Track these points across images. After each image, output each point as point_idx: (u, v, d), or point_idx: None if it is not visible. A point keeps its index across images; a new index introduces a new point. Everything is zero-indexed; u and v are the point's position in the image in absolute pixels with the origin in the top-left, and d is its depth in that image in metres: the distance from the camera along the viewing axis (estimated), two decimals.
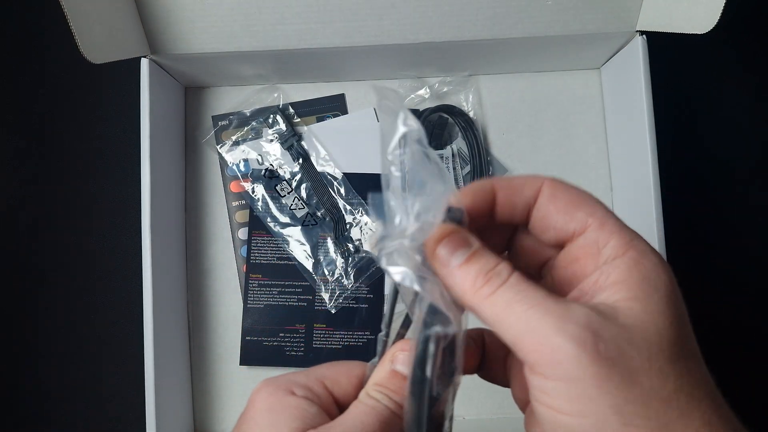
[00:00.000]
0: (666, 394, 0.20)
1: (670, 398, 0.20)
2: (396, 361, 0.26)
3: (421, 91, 0.56)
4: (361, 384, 0.27)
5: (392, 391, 0.25)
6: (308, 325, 0.53)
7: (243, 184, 0.55)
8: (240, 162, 0.56)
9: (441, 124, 0.55)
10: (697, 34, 0.42)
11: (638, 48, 0.48)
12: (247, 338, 0.53)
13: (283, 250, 0.54)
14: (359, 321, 0.54)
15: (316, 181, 0.55)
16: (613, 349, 0.20)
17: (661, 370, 0.20)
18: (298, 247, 0.54)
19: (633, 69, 0.48)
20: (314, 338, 0.53)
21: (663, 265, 0.22)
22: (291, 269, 0.54)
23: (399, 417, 0.25)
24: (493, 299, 0.22)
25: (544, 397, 0.21)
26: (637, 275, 0.22)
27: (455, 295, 0.23)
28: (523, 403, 0.27)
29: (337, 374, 0.27)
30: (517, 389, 0.27)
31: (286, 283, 0.54)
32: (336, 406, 0.27)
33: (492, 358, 0.28)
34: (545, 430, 0.21)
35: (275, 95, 0.56)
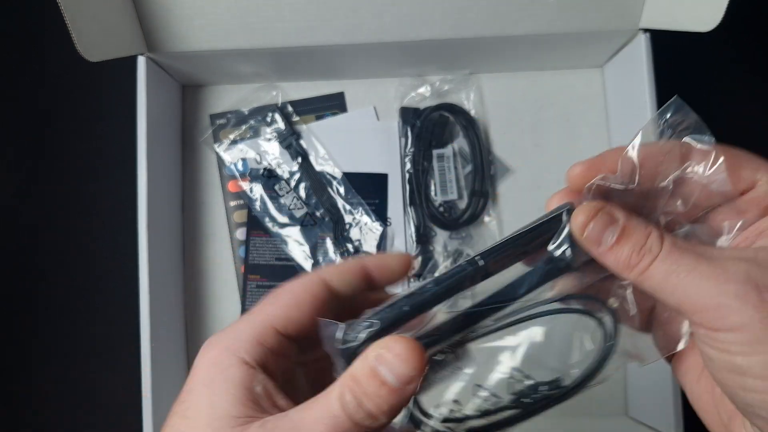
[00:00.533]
0: None
1: None
2: (380, 359, 0.22)
3: (422, 90, 0.55)
4: (317, 306, 0.25)
5: (370, 397, 0.22)
6: None
7: (241, 183, 0.55)
8: (238, 161, 0.55)
9: (442, 123, 0.54)
10: (700, 32, 0.41)
11: (641, 46, 0.47)
12: None
13: (282, 251, 0.54)
14: None
15: (315, 180, 0.55)
16: None
17: None
18: (297, 248, 0.54)
19: (636, 67, 0.48)
20: None
21: None
22: (290, 270, 0.54)
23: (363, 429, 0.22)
24: (650, 273, 0.22)
25: (715, 343, 0.21)
26: None
27: (612, 271, 0.24)
28: (667, 350, 0.26)
29: (286, 310, 0.25)
30: (660, 338, 0.26)
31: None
32: (295, 346, 0.25)
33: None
34: (714, 367, 0.22)
35: (274, 93, 0.56)
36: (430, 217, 0.54)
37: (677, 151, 0.26)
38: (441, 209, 0.54)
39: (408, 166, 0.54)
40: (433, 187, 0.54)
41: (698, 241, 0.24)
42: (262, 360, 0.24)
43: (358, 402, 0.22)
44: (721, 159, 0.25)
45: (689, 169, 0.25)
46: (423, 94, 0.56)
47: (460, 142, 0.55)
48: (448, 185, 0.53)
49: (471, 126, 0.54)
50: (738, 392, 0.21)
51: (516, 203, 0.55)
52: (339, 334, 0.23)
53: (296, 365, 0.27)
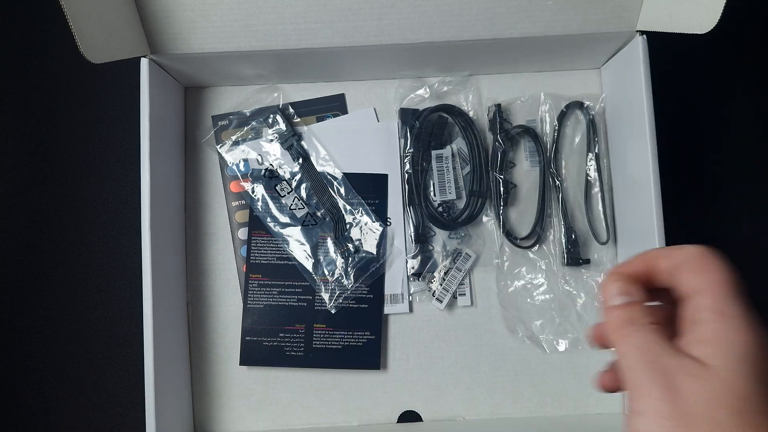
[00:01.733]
0: None
1: None
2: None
3: (421, 91, 0.55)
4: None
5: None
6: (308, 325, 0.53)
7: (243, 184, 0.55)
8: (240, 162, 0.55)
9: (441, 124, 0.55)
10: (697, 34, 0.42)
11: (638, 48, 0.48)
12: (247, 338, 0.53)
13: (283, 250, 0.54)
14: (359, 321, 0.54)
15: (316, 181, 0.55)
16: (692, 410, 0.24)
17: (752, 424, 0.23)
18: (298, 247, 0.54)
19: (633, 69, 0.48)
20: (314, 338, 0.53)
21: (750, 329, 0.25)
22: (291, 269, 0.54)
23: None
24: (627, 340, 0.27)
25: (632, 428, 0.25)
26: (726, 342, 0.25)
27: (606, 326, 0.28)
28: None
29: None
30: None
31: (286, 283, 0.54)
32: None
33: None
34: None
35: (275, 95, 0.56)
36: (429, 216, 0.54)
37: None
38: (440, 209, 0.54)
39: (407, 166, 0.54)
40: (432, 188, 0.54)
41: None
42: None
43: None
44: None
45: None
46: (422, 95, 0.56)
47: (459, 143, 0.55)
48: (446, 186, 0.54)
49: (469, 127, 0.54)
50: None
51: (517, 203, 0.55)
52: None
53: None
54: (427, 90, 0.56)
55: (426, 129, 0.54)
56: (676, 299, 0.29)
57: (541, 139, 0.55)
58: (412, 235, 0.54)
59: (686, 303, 0.27)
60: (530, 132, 0.55)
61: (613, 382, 0.31)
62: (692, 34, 0.42)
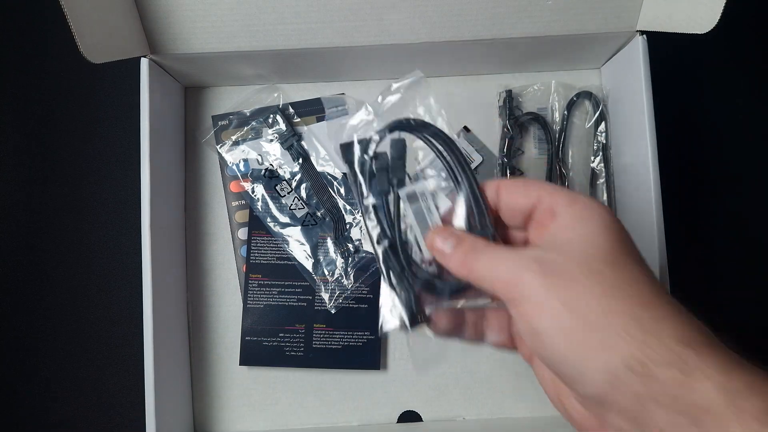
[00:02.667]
0: (605, 287, 0.26)
1: (610, 290, 0.26)
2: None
3: (361, 113, 0.38)
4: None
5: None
6: (308, 325, 0.53)
7: (243, 184, 0.55)
8: (240, 162, 0.56)
9: (399, 148, 0.37)
10: (697, 34, 0.42)
11: (638, 48, 0.48)
12: (247, 338, 0.53)
13: (283, 250, 0.54)
14: (359, 321, 0.54)
15: (316, 181, 0.55)
16: (555, 266, 0.27)
17: (600, 271, 0.26)
18: (298, 247, 0.54)
19: (633, 69, 0.48)
20: (314, 338, 0.53)
21: (602, 208, 0.29)
22: (291, 269, 0.54)
23: None
24: (476, 265, 0.29)
25: (519, 317, 0.27)
26: (575, 215, 0.28)
27: (453, 273, 0.31)
28: (528, 356, 0.34)
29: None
30: (522, 348, 0.34)
31: (286, 283, 0.54)
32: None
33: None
34: (526, 339, 0.28)
35: (275, 95, 0.56)
36: (425, 287, 0.34)
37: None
38: (432, 267, 0.35)
39: (370, 226, 0.35)
40: (415, 245, 0.35)
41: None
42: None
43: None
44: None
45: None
46: (365, 118, 0.38)
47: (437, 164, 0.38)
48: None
49: (440, 139, 0.35)
50: (543, 354, 0.27)
51: None
52: None
53: None
54: (369, 109, 0.38)
55: (381, 162, 0.35)
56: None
57: (550, 128, 0.55)
58: (407, 320, 0.33)
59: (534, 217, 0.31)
60: (540, 120, 0.55)
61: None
62: (692, 34, 0.42)
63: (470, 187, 0.33)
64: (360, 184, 0.35)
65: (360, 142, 0.36)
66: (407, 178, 0.36)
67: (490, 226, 0.32)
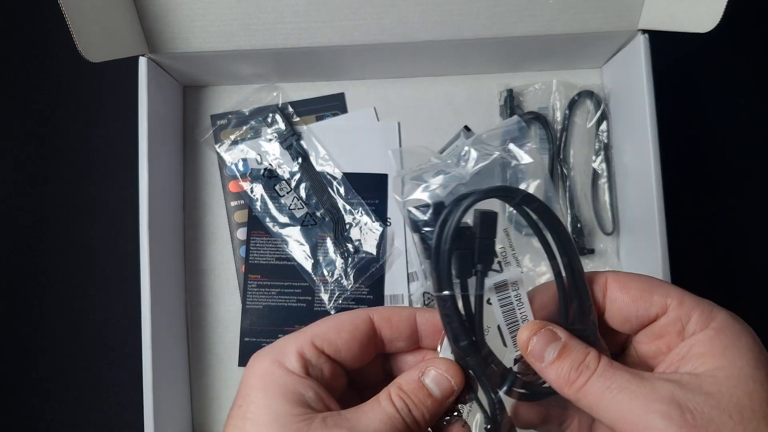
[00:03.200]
0: None
1: None
2: (426, 375, 0.27)
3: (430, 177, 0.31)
4: (357, 337, 0.28)
5: (415, 405, 0.26)
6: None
7: (242, 183, 0.55)
8: (239, 161, 0.55)
9: (488, 224, 0.28)
10: (699, 33, 0.41)
11: (640, 47, 0.47)
12: (246, 339, 0.53)
13: (282, 251, 0.54)
14: None
15: (316, 180, 0.55)
16: (700, 416, 0.21)
17: (757, 430, 0.21)
18: (298, 248, 0.54)
19: (635, 68, 0.48)
20: None
21: (746, 332, 0.24)
22: (290, 270, 0.54)
23: None
24: (587, 390, 0.24)
25: None
26: (719, 345, 0.23)
27: (551, 385, 0.26)
28: None
29: (325, 330, 0.27)
30: None
31: (285, 283, 0.54)
32: (333, 366, 0.28)
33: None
34: None
35: (274, 94, 0.56)
36: (517, 395, 0.28)
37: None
38: (518, 370, 0.29)
39: (441, 313, 0.27)
40: (498, 336, 0.29)
41: (628, 365, 0.25)
42: (306, 370, 0.26)
43: (406, 407, 0.26)
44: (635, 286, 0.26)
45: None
46: (432, 181, 0.29)
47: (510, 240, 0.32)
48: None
49: (544, 217, 0.27)
50: None
51: None
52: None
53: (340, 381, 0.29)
54: (443, 161, 0.29)
55: (465, 239, 0.27)
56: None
57: (552, 127, 0.55)
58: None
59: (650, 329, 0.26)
60: (541, 119, 0.55)
61: None
62: (694, 33, 0.42)
63: (574, 277, 0.26)
64: (435, 266, 0.26)
65: (436, 206, 0.27)
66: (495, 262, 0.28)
67: (594, 328, 0.26)
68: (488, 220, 0.27)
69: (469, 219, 0.27)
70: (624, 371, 0.24)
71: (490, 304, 0.28)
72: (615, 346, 0.29)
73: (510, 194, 0.27)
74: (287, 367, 0.26)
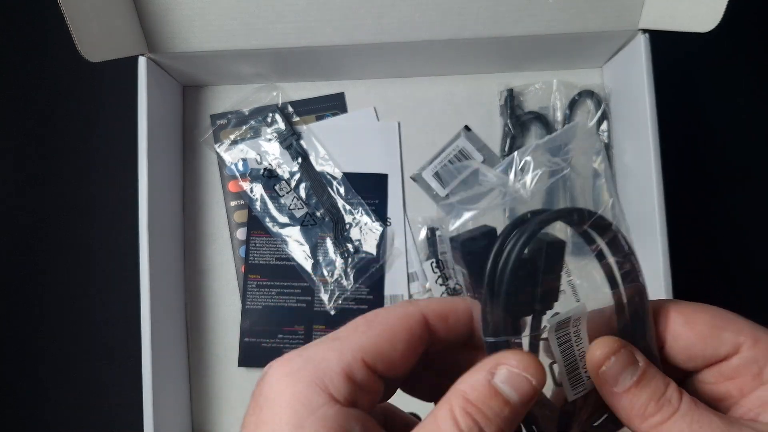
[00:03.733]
0: None
1: None
2: (498, 375, 0.20)
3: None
4: (413, 345, 0.22)
5: (488, 420, 0.20)
6: (307, 326, 0.53)
7: (241, 183, 0.55)
8: (238, 161, 0.55)
9: (553, 257, 0.30)
10: (699, 33, 0.41)
11: (640, 46, 0.47)
12: (246, 339, 0.53)
13: (282, 251, 0.54)
14: None
15: (316, 180, 0.55)
16: None
17: None
18: (297, 248, 0.54)
19: (635, 67, 0.48)
20: (313, 339, 0.53)
21: None
22: (290, 270, 0.54)
23: None
24: (666, 429, 0.21)
25: None
26: None
27: (619, 416, 0.22)
28: None
29: (378, 342, 0.21)
30: None
31: (285, 283, 0.54)
32: (382, 385, 0.22)
33: None
34: None
35: (274, 94, 0.56)
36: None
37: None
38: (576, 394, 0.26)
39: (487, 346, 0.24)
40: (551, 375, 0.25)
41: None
42: (353, 397, 0.20)
43: (477, 426, 0.20)
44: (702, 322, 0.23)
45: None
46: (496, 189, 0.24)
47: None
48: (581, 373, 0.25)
49: (617, 249, 0.26)
50: None
51: None
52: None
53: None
54: (500, 178, 0.24)
55: (526, 271, 0.23)
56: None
57: (552, 127, 0.55)
58: None
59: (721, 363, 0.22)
60: (541, 119, 0.55)
61: None
62: (694, 33, 0.42)
63: (639, 310, 0.23)
64: (485, 302, 0.22)
65: (487, 235, 0.22)
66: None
67: (657, 364, 0.23)
68: (555, 252, 0.23)
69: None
70: (710, 413, 0.21)
71: (545, 340, 0.24)
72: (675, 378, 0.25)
73: (581, 218, 0.23)
74: (332, 394, 0.20)
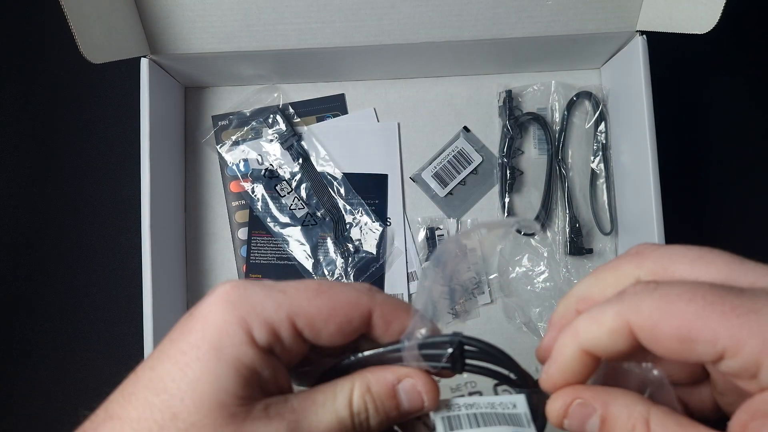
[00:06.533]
0: None
1: None
2: (403, 382, 0.23)
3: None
4: (341, 332, 0.23)
5: (377, 412, 0.23)
6: None
7: (243, 184, 0.55)
8: (240, 162, 0.56)
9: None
10: (697, 34, 0.42)
11: (638, 48, 0.48)
12: None
13: (283, 250, 0.54)
14: None
15: (316, 181, 0.55)
16: None
17: None
18: (298, 247, 0.54)
19: (633, 69, 0.48)
20: None
21: None
22: (291, 269, 0.54)
23: None
24: None
25: None
26: None
27: None
28: None
29: (314, 312, 0.22)
30: None
31: None
32: (304, 345, 0.23)
33: None
34: None
35: (275, 95, 0.56)
36: None
37: None
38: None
39: None
40: None
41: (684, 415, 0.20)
42: (271, 347, 0.22)
43: (365, 412, 0.22)
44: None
45: None
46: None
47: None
48: None
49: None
50: None
51: (522, 190, 0.55)
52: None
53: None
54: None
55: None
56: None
57: (550, 127, 0.55)
58: None
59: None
60: (539, 120, 0.55)
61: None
62: (692, 34, 0.42)
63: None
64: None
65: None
66: None
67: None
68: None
69: None
70: (702, 428, 0.19)
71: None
72: (692, 375, 0.23)
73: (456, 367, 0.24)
74: (252, 335, 0.21)
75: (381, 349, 0.24)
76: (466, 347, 0.23)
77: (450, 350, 0.23)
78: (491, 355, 0.24)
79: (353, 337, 0.24)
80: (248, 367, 0.21)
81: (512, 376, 0.24)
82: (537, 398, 0.24)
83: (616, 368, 0.22)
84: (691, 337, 0.18)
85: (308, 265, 0.54)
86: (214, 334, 0.21)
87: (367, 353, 0.24)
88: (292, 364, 0.24)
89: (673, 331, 0.19)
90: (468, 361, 0.23)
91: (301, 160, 0.55)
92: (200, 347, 0.21)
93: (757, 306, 0.18)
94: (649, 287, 0.20)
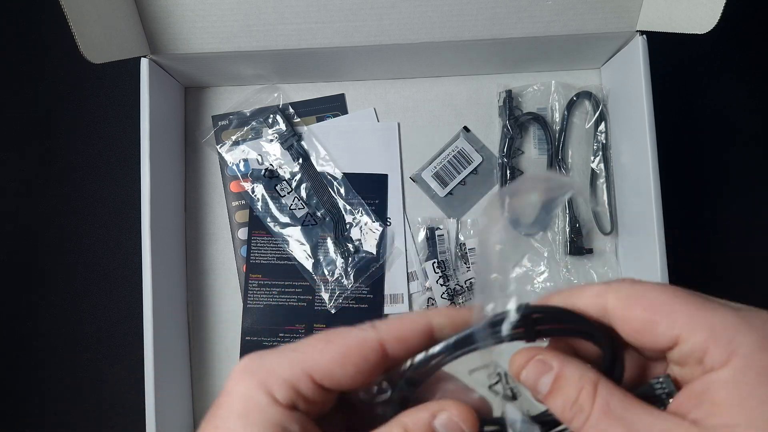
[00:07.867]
0: None
1: None
2: (438, 418, 0.23)
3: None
4: (360, 372, 0.23)
5: None
6: (308, 325, 0.53)
7: (243, 184, 0.55)
8: (240, 162, 0.56)
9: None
10: (697, 34, 0.42)
11: (638, 48, 0.48)
12: (247, 338, 0.53)
13: (283, 250, 0.54)
14: (359, 321, 0.53)
15: (316, 181, 0.55)
16: None
17: None
18: (298, 247, 0.54)
19: (633, 69, 0.48)
20: None
21: None
22: (291, 269, 0.54)
23: None
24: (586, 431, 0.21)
25: None
26: (738, 394, 0.19)
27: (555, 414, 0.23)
28: None
29: (330, 364, 0.23)
30: None
31: (286, 283, 0.54)
32: (328, 395, 0.24)
33: None
34: None
35: (275, 95, 0.56)
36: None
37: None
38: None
39: None
40: None
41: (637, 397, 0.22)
42: (294, 403, 0.23)
43: None
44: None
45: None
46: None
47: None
48: None
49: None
50: None
51: None
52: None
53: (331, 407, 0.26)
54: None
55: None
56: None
57: (550, 127, 0.55)
58: None
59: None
60: (539, 120, 0.55)
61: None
62: (692, 34, 0.42)
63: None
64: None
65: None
66: None
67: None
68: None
69: None
70: (620, 423, 0.20)
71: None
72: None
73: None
74: (274, 396, 0.22)
75: (452, 339, 0.23)
76: (534, 315, 0.23)
77: (515, 319, 0.23)
78: (560, 317, 0.23)
79: (376, 373, 0.24)
80: (276, 424, 0.22)
81: (589, 332, 0.24)
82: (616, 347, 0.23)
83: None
84: (655, 319, 0.21)
85: (308, 265, 0.54)
86: (239, 404, 0.22)
87: (438, 347, 0.23)
88: (325, 413, 0.25)
89: (641, 312, 0.21)
90: (539, 327, 0.23)
91: (301, 160, 0.55)
92: (229, 418, 0.22)
93: (715, 306, 0.21)
94: (631, 280, 0.23)
